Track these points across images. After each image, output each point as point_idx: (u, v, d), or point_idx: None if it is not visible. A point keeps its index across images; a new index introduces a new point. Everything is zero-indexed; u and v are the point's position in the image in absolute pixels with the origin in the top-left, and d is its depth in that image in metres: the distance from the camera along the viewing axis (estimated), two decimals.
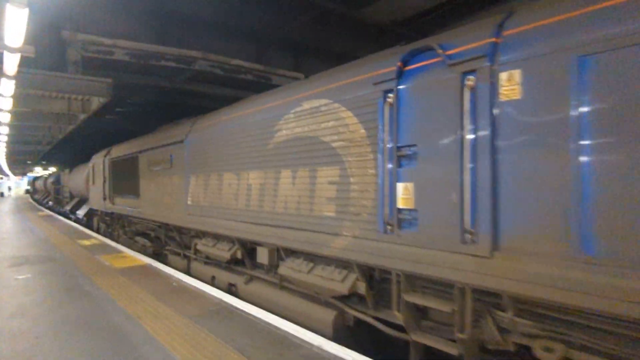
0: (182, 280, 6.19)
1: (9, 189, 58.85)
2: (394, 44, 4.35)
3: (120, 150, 10.97)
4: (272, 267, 5.24)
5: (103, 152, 12.75)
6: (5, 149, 23.30)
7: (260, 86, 14.99)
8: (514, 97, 2.67)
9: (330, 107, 4.11)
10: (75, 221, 17.37)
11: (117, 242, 11.41)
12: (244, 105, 5.78)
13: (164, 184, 8.02)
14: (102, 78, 10.71)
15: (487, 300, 3.06)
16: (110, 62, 10.60)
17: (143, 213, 9.14)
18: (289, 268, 4.73)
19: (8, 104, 9.89)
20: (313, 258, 4.58)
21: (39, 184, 40.24)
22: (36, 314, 4.78)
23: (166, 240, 8.67)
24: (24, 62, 9.58)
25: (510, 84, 2.70)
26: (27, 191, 64.57)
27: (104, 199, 12.17)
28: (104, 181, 12.16)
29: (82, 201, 19.55)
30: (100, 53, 10.37)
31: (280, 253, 5.00)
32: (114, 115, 19.91)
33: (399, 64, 3.47)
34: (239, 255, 5.86)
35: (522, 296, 2.67)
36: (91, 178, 14.08)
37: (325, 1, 8.85)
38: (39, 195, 40.72)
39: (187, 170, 7.03)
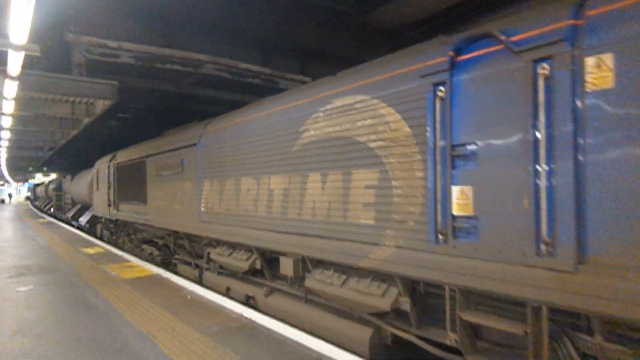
0: (196, 293, 5.77)
1: (10, 196, 57.81)
2: (402, 48, 4.05)
3: (126, 155, 10.60)
4: (297, 279, 4.83)
5: (107, 158, 12.39)
6: (6, 154, 22.95)
7: (267, 90, 14.68)
8: (605, 86, 2.29)
9: (368, 104, 3.74)
10: (77, 228, 16.95)
11: (123, 250, 11.00)
12: (264, 105, 5.41)
13: (174, 190, 7.63)
14: (107, 80, 10.38)
15: (563, 320, 2.66)
16: (115, 66, 10.28)
17: (151, 220, 8.74)
18: (317, 280, 4.33)
19: (10, 106, 9.54)
20: (345, 270, 4.18)
21: (40, 190, 39.86)
22: (40, 332, 4.37)
23: (175, 249, 8.26)
24: (28, 64, 9.24)
25: (599, 70, 2.32)
26: (27, 198, 64.17)
27: (109, 205, 11.77)
28: (109, 187, 11.78)
29: (85, 208, 19.16)
30: (105, 56, 10.03)
31: (307, 264, 4.60)
32: (116, 120, 19.58)
33: (450, 53, 3.10)
34: (258, 265, 5.45)
35: (617, 318, 2.27)
36: (95, 184, 13.69)
37: (332, 4, 8.60)
38: (39, 202, 40.32)
39: (201, 175, 6.65)
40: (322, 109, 4.25)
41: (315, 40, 10.68)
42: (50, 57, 9.86)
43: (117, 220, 11.67)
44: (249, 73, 12.79)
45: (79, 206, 19.90)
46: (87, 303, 5.40)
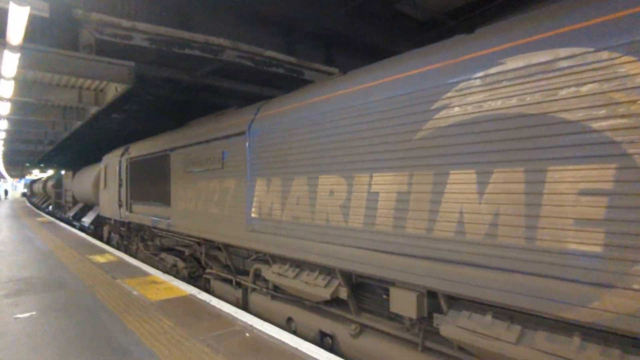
0: (255, 328, 4.35)
1: (6, 192, 55.67)
2: (437, 39, 2.84)
3: (142, 149, 9.16)
4: (419, 321, 3.42)
5: (118, 152, 10.93)
6: (2, 147, 21.43)
7: (291, 81, 13.37)
8: None
9: (588, 60, 2.34)
10: (80, 229, 15.48)
11: (136, 257, 9.55)
12: (359, 77, 4.00)
13: (209, 190, 6.22)
14: (122, 60, 8.98)
15: None
16: (127, 49, 8.91)
17: (175, 225, 7.31)
18: (465, 330, 2.92)
19: (9, 88, 8.10)
20: (513, 315, 2.78)
21: (37, 187, 38.25)
22: None
23: (207, 262, 6.84)
24: (30, 36, 7.87)
25: None
26: (24, 194, 62.41)
27: (120, 206, 10.32)
28: (120, 185, 10.32)
29: (88, 207, 17.70)
30: (117, 37, 8.65)
31: (440, 302, 3.19)
32: (123, 112, 18.18)
33: None
34: (343, 294, 4.04)
35: None
36: (102, 181, 12.24)
37: None
38: (37, 199, 38.71)
39: (251, 172, 5.24)
40: (479, 75, 2.85)
41: (343, 26, 9.29)
42: (55, 36, 8.48)
43: (129, 223, 10.22)
44: (273, 62, 11.67)
45: (81, 205, 18.41)
46: (113, 343, 3.97)
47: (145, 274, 7.12)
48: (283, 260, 4.95)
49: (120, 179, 10.39)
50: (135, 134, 19.42)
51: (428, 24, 9.84)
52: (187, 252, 7.39)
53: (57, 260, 8.50)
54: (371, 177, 3.59)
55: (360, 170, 3.70)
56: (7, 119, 12.84)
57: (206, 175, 6.33)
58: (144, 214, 8.92)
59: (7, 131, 16.17)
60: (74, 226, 17.14)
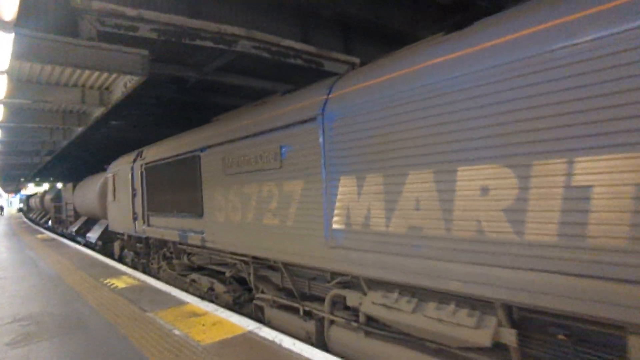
0: None
1: (1, 209, 53.69)
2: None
3: (159, 152, 7.85)
4: None
5: (129, 157, 9.61)
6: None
7: (308, 74, 12.33)
8: None
9: None
10: (85, 246, 14.13)
11: (159, 278, 8.24)
12: (520, 19, 2.71)
13: (261, 196, 4.93)
14: (134, 48, 7.73)
15: None
16: (130, 43, 7.66)
17: (212, 241, 6.01)
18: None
19: (2, 85, 6.78)
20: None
21: (34, 201, 36.72)
22: None
23: (257, 285, 5.54)
24: (24, 18, 6.70)
25: None
26: (20, 210, 60.71)
27: (135, 219, 8.99)
28: (134, 195, 9.01)
29: (92, 221, 16.34)
30: (121, 28, 7.44)
31: None
32: (123, 119, 16.88)
33: None
34: (509, 339, 2.76)
35: None
36: (110, 192, 10.90)
37: None
38: (34, 214, 37.18)
39: (330, 169, 3.96)
40: None
41: (361, 10, 8.62)
42: (52, 23, 7.23)
43: (147, 238, 8.90)
44: (290, 52, 10.62)
45: (84, 219, 17.03)
46: None
47: (180, 302, 5.81)
48: (386, 286, 3.67)
49: (133, 189, 9.07)
50: (137, 142, 18.13)
51: (452, 7, 8.87)
52: (227, 272, 6.09)
53: (68, 288, 7.16)
54: (571, 163, 2.32)
55: (547, 154, 2.43)
56: (1, 126, 11.50)
57: (256, 178, 5.04)
58: (166, 227, 7.61)
59: (2, 142, 14.82)
60: (77, 242, 15.77)
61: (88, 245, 14.37)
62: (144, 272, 8.96)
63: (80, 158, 21.41)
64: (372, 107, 3.55)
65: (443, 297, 3.18)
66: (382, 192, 3.44)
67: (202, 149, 6.32)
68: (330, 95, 4.08)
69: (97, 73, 8.85)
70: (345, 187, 3.82)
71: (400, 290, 3.53)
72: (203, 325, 4.72)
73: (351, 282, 4.17)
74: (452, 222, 2.90)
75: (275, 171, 4.72)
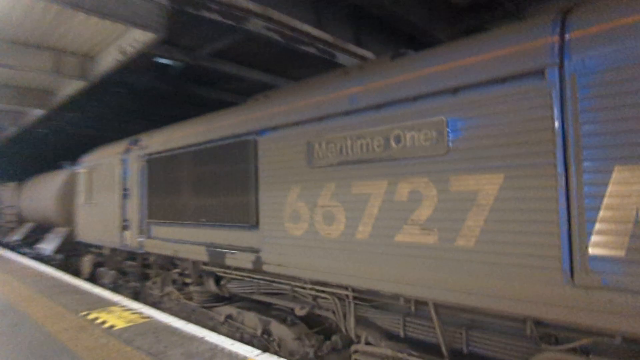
0: None
1: None
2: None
3: (176, 138, 5.80)
4: None
5: (117, 148, 7.35)
6: None
7: (310, 68, 10.79)
8: None
9: None
10: (35, 258, 11.29)
11: (160, 308, 6.09)
12: None
13: (396, 199, 3.19)
14: None
15: None
16: None
17: (281, 263, 4.12)
18: None
19: None
20: None
21: None
22: None
23: (359, 331, 3.72)
24: None
25: None
26: None
27: (125, 227, 6.76)
28: (125, 196, 6.80)
29: (43, 228, 13.40)
30: None
31: None
32: (82, 112, 14.25)
33: None
34: None
35: None
36: (82, 192, 8.48)
37: None
38: None
39: (589, 156, 2.33)
40: None
41: (376, 7, 7.75)
42: None
43: (144, 254, 6.69)
44: (304, 38, 9.08)
45: (30, 226, 13.98)
46: None
47: (232, 356, 3.83)
48: None
49: (124, 188, 6.85)
50: (97, 139, 15.42)
51: (469, 9, 8.36)
52: (297, 309, 4.20)
53: (35, 328, 4.87)
54: None
55: None
56: None
57: (386, 171, 3.28)
58: (182, 241, 5.54)
59: None
60: (20, 253, 12.75)
61: (37, 257, 11.52)
62: (136, 299, 6.70)
63: (22, 153, 18.07)
64: None
65: None
66: None
67: (260, 132, 4.44)
68: (572, 34, 2.47)
69: (80, 33, 6.63)
70: (626, 184, 2.21)
71: None
72: None
73: (596, 343, 2.53)
74: None
75: (433, 160, 3.00)
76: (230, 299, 5.35)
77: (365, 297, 3.68)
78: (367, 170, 3.41)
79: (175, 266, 6.22)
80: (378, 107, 3.38)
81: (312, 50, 10.00)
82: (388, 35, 9.83)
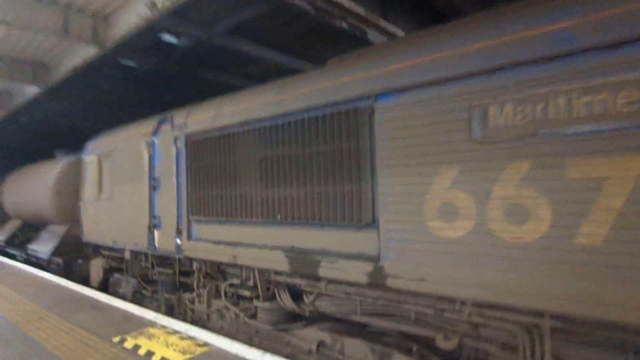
0: None
1: None
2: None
3: (231, 113, 4.51)
4: None
5: (143, 128, 5.98)
6: None
7: (344, 46, 10.15)
8: None
9: None
10: (26, 262, 9.79)
11: (208, 327, 4.83)
12: None
13: None
14: None
15: None
16: None
17: (420, 277, 2.94)
18: None
19: None
20: None
21: None
22: None
23: None
24: None
25: None
26: None
27: (155, 226, 5.45)
28: (154, 188, 5.48)
29: (31, 226, 11.86)
30: None
31: None
32: (67, 100, 12.73)
33: None
34: None
35: None
36: (91, 184, 7.09)
37: None
38: None
39: None
40: None
41: None
42: None
43: (181, 260, 5.39)
44: (336, 11, 8.19)
45: (17, 224, 12.38)
46: None
47: None
48: None
49: (153, 178, 5.53)
50: (85, 131, 13.90)
51: None
52: (440, 340, 3.03)
53: None
54: None
55: None
56: None
57: None
58: (244, 244, 4.29)
59: None
60: (8, 256, 11.19)
61: (30, 262, 10.02)
62: (168, 315, 5.41)
63: (12, 142, 16.38)
64: None
65: None
66: None
67: (379, 96, 3.22)
68: None
69: None
70: None
71: None
72: None
73: None
74: None
75: None
76: (305, 319, 4.14)
77: (571, 329, 2.54)
78: (600, 142, 2.26)
79: (224, 275, 4.95)
80: (622, 44, 2.22)
81: (342, 24, 8.94)
82: (413, 15, 8.78)
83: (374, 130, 3.27)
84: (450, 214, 2.81)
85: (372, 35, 9.22)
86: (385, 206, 3.17)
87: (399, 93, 3.13)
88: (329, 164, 3.55)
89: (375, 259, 3.23)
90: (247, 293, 4.51)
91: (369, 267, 3.25)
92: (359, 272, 3.31)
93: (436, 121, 2.91)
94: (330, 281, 3.66)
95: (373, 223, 3.26)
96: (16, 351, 3.93)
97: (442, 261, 2.85)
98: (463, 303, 2.89)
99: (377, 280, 3.21)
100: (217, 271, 5.00)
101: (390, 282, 3.12)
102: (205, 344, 4.00)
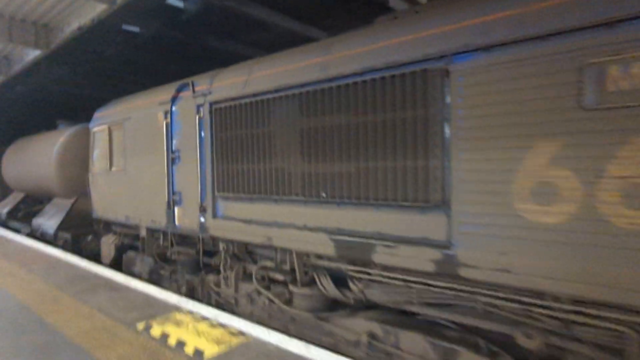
0: None
1: None
2: None
3: (264, 78, 4.01)
4: None
5: (160, 95, 5.46)
6: None
7: (364, 13, 8.94)
8: None
9: None
10: (33, 237, 9.42)
11: (236, 313, 4.48)
12: None
13: None
14: None
15: None
16: None
17: (514, 268, 2.53)
18: None
19: None
20: None
21: None
22: None
23: None
24: None
25: None
26: None
27: (176, 203, 5.03)
28: (173, 162, 5.03)
29: (34, 199, 11.47)
30: None
31: None
32: (66, 66, 12.04)
33: None
34: None
35: None
36: (101, 156, 6.62)
37: None
38: None
39: None
40: None
41: None
42: None
43: (204, 240, 4.99)
44: None
45: (20, 196, 11.95)
46: None
47: None
48: None
49: (172, 150, 5.06)
50: (93, 100, 13.25)
51: None
52: (522, 337, 2.66)
53: (79, 353, 3.23)
54: None
55: None
56: None
57: None
58: (280, 224, 3.88)
59: None
60: (11, 229, 10.82)
61: (33, 236, 9.65)
62: (193, 298, 5.06)
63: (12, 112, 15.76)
64: None
65: None
66: None
67: (454, 56, 2.73)
68: None
69: None
70: None
71: None
72: None
73: None
74: None
75: None
76: (349, 307, 3.78)
77: None
78: None
79: (251, 256, 4.57)
80: None
81: None
82: None
83: (446, 97, 2.79)
84: (549, 195, 2.38)
85: (394, 1, 8.60)
86: (459, 185, 2.73)
87: (482, 52, 2.64)
88: (387, 135, 3.09)
89: (444, 245, 2.81)
90: (280, 277, 4.14)
91: (436, 254, 2.84)
92: (424, 259, 2.91)
93: (533, 85, 2.43)
94: (386, 268, 3.26)
95: (442, 204, 2.83)
96: (35, 341, 3.56)
97: (534, 250, 2.44)
98: (556, 298, 2.50)
99: (446, 269, 2.80)
100: (244, 252, 4.61)
101: (464, 272, 2.72)
102: (240, 333, 3.64)
